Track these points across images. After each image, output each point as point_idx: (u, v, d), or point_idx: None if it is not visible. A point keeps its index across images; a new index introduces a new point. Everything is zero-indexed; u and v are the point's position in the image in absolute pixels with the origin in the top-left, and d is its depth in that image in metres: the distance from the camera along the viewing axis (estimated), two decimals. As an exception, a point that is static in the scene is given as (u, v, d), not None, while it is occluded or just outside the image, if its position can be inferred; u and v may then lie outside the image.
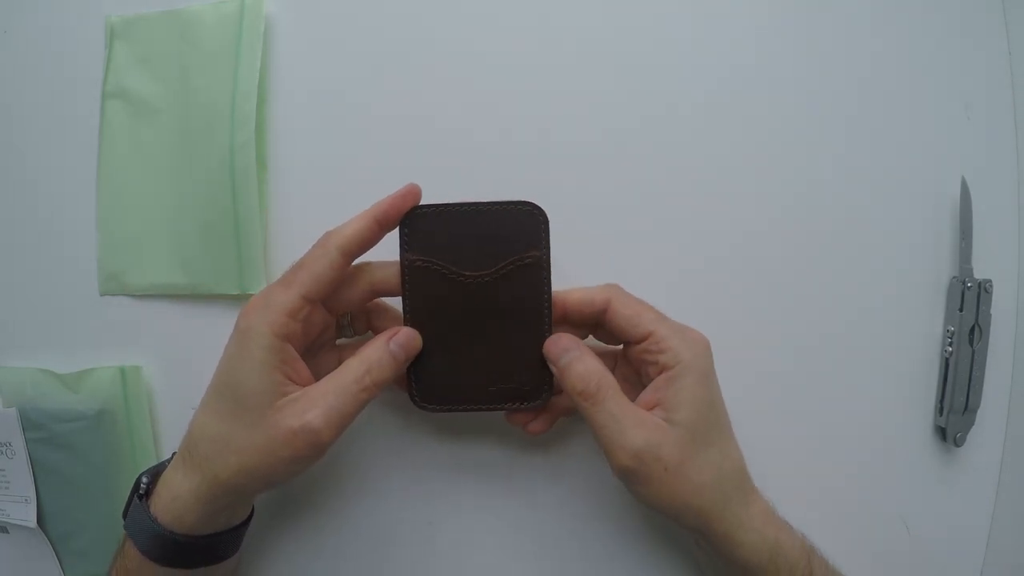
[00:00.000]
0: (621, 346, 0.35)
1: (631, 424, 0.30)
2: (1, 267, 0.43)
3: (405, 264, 0.33)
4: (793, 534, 0.32)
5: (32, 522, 0.42)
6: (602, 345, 0.36)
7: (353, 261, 0.33)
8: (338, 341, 0.37)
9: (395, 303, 0.36)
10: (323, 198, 0.40)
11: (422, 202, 0.33)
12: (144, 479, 0.33)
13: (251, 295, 0.39)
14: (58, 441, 0.41)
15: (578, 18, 0.38)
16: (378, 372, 0.31)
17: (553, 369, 0.33)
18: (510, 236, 0.33)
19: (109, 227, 0.41)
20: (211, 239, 0.39)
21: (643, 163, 0.38)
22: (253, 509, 0.36)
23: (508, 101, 0.39)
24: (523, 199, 0.33)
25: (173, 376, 0.41)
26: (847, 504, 0.39)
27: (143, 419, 0.41)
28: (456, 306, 0.33)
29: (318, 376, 0.32)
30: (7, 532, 0.43)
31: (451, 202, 0.33)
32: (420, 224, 0.33)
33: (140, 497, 0.33)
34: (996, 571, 0.40)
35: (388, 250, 0.33)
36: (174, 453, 0.35)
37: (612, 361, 0.36)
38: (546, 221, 0.33)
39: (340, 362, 0.34)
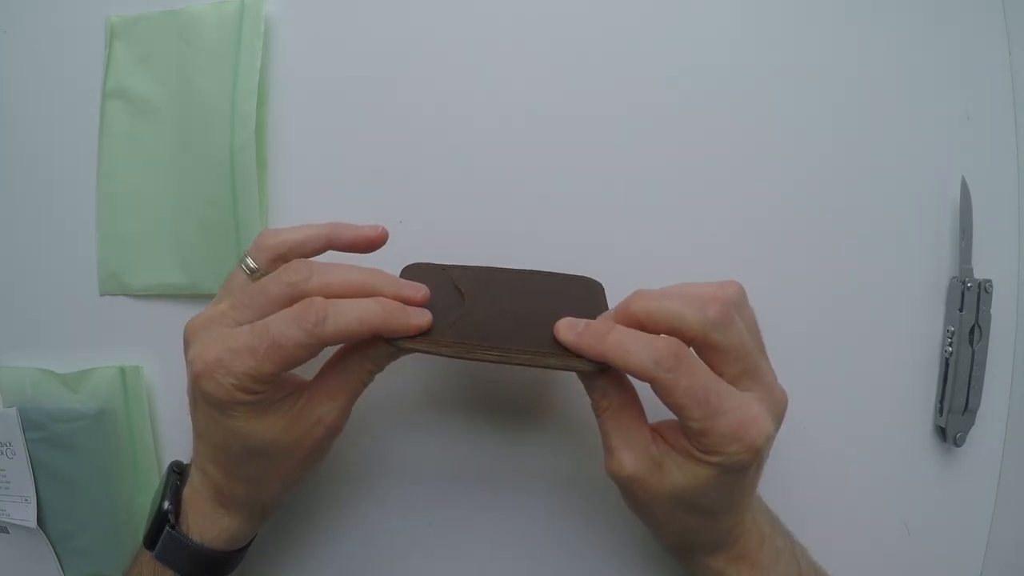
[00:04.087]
0: None
1: (621, 444, 0.29)
2: (1, 267, 0.43)
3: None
4: (773, 569, 0.31)
5: (32, 522, 0.42)
6: None
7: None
8: None
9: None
10: (323, 198, 0.40)
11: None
12: (167, 505, 0.32)
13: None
14: (58, 441, 0.41)
15: (582, 14, 0.38)
16: (381, 362, 0.31)
17: (599, 344, 0.28)
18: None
19: (109, 227, 0.41)
20: (211, 239, 0.39)
21: (638, 164, 0.38)
22: None
23: (509, 100, 0.39)
24: (579, 274, 0.33)
25: (173, 376, 0.41)
26: (847, 504, 0.39)
27: (143, 419, 0.41)
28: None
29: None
30: (7, 532, 0.43)
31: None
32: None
33: (172, 526, 0.32)
34: (996, 571, 0.40)
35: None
36: (171, 468, 0.34)
37: None
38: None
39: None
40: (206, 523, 0.32)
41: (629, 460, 0.29)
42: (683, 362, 0.26)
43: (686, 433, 0.28)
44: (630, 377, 0.29)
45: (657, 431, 0.30)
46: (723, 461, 0.27)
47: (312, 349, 0.28)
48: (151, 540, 0.32)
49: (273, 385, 0.29)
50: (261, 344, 0.27)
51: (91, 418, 0.40)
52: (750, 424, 0.27)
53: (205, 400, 0.29)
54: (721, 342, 0.27)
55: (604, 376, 0.29)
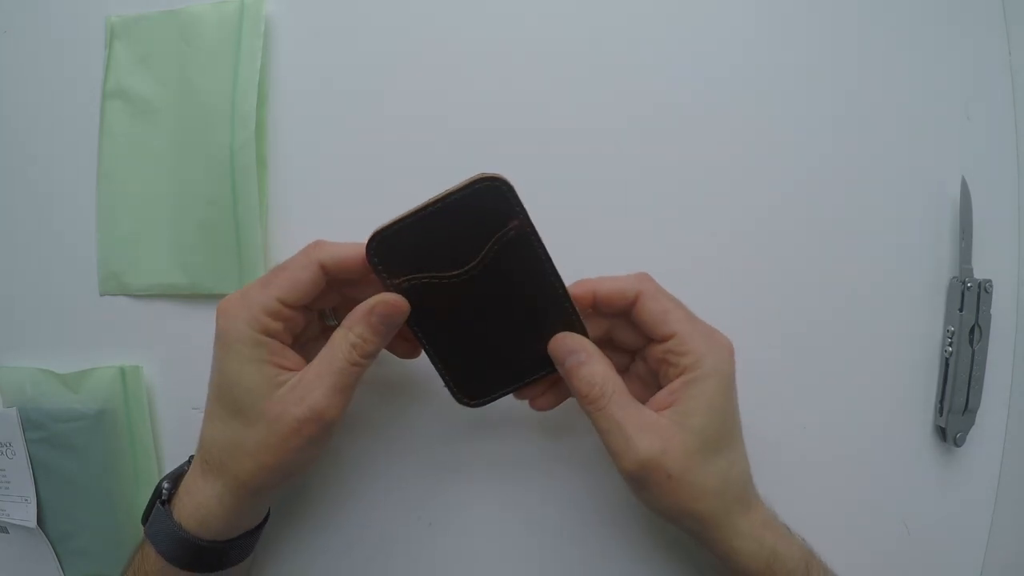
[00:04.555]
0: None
1: (636, 430, 0.30)
2: (1, 267, 0.43)
3: (392, 291, 0.31)
4: (792, 541, 0.32)
5: (32, 522, 0.42)
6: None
7: (333, 281, 0.32)
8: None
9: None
10: (323, 198, 0.40)
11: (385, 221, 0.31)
12: (165, 484, 0.33)
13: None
14: (58, 441, 0.41)
15: (583, 18, 0.38)
16: (363, 346, 0.31)
17: (560, 370, 0.32)
18: (482, 218, 0.31)
19: (109, 227, 0.41)
20: (211, 239, 0.39)
21: (638, 164, 0.38)
22: (268, 511, 0.36)
23: (510, 100, 0.39)
24: (480, 175, 0.30)
25: (173, 376, 0.41)
26: (847, 504, 0.39)
27: (143, 419, 0.41)
28: (461, 305, 0.32)
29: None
30: (7, 532, 0.43)
31: (409, 211, 0.31)
32: (388, 247, 0.31)
33: (163, 503, 0.33)
34: (996, 571, 0.40)
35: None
36: (192, 457, 0.35)
37: (629, 359, 0.35)
38: (511, 188, 0.30)
39: None
40: (187, 501, 0.32)
41: (654, 440, 0.29)
42: (654, 281, 0.33)
43: (672, 358, 0.31)
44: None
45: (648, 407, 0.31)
46: (715, 366, 0.31)
47: (311, 270, 0.31)
48: (145, 517, 0.34)
49: (281, 324, 0.31)
50: (269, 275, 0.32)
51: (91, 418, 0.40)
52: (712, 333, 0.32)
53: (218, 337, 0.32)
54: (657, 291, 0.32)
55: (597, 363, 0.31)
